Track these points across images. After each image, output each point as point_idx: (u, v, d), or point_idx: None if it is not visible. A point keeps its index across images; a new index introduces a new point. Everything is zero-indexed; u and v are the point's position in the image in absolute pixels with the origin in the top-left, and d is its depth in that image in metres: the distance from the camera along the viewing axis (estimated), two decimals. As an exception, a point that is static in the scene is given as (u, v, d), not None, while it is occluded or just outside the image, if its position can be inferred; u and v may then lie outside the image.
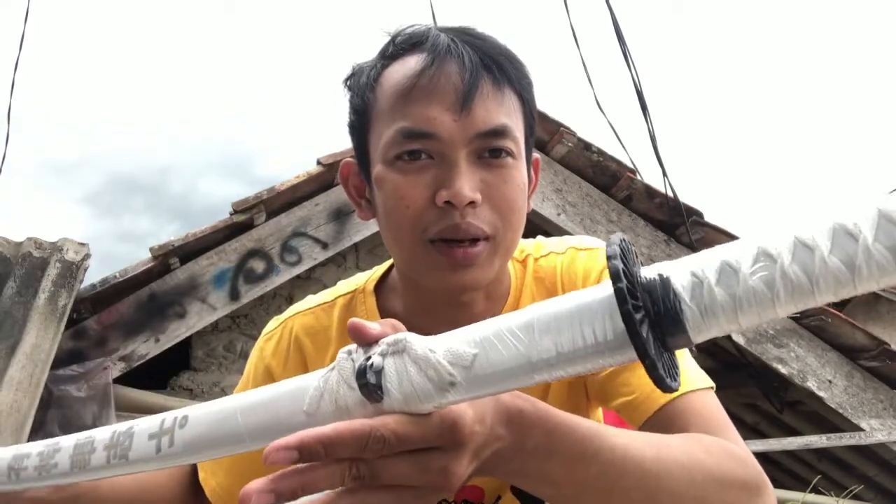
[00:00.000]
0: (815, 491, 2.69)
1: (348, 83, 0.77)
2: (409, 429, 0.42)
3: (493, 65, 0.69)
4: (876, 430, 2.84)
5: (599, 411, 0.87)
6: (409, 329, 0.50)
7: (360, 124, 0.74)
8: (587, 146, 2.86)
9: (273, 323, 0.87)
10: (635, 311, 0.39)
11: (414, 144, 0.68)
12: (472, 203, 0.66)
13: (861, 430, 2.83)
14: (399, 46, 0.72)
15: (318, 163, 2.69)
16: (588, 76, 2.79)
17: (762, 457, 3.65)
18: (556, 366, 0.42)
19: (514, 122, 0.70)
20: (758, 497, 0.58)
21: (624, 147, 3.00)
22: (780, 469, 3.65)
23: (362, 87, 0.74)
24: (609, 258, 0.40)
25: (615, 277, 0.39)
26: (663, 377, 0.39)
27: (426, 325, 0.63)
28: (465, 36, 0.71)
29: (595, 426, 0.50)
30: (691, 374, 0.71)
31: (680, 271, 0.40)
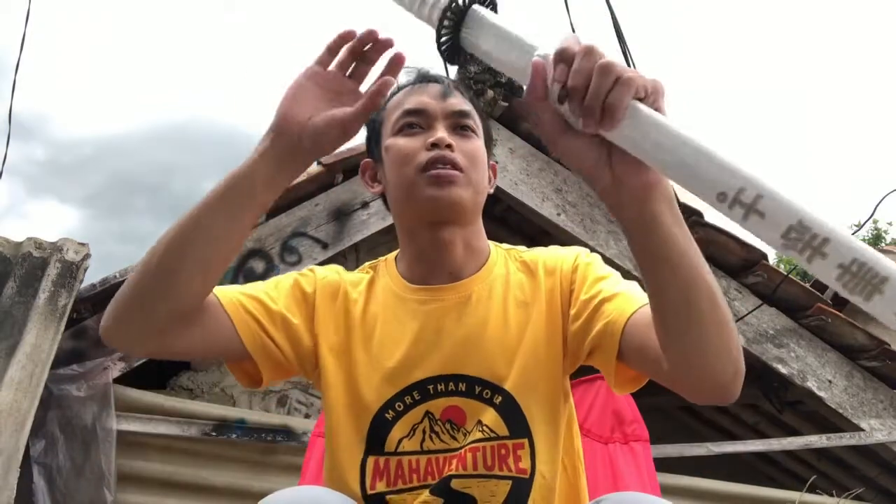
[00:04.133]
0: (814, 491, 2.69)
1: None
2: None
3: (462, 87, 1.06)
4: (876, 430, 2.83)
5: (566, 382, 1.02)
6: (410, 276, 1.03)
7: (375, 127, 1.06)
8: (587, 146, 2.86)
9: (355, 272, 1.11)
10: None
11: (412, 118, 1.00)
12: (449, 146, 0.96)
13: (861, 430, 2.83)
14: (402, 84, 1.05)
15: (319, 163, 2.69)
16: (588, 76, 2.78)
17: (762, 457, 3.66)
18: None
19: (475, 116, 1.03)
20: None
21: (624, 147, 2.98)
22: (780, 469, 3.65)
23: (376, 112, 1.03)
24: None
25: None
26: None
27: (421, 270, 1.02)
28: (444, 76, 1.07)
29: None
30: (641, 293, 0.91)
31: None
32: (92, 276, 2.40)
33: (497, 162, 1.00)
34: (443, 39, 0.67)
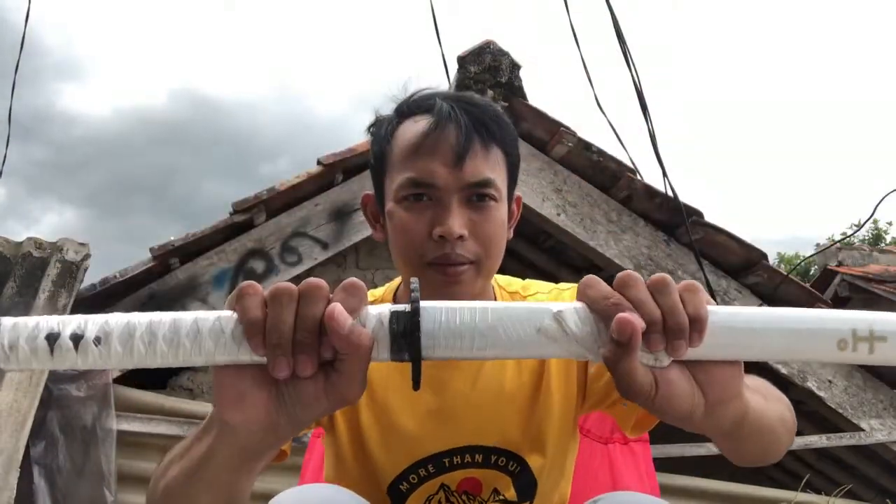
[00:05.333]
0: (813, 490, 2.68)
1: (371, 130, 0.95)
2: None
3: (483, 128, 0.87)
4: (876, 430, 2.84)
5: (577, 426, 1.01)
6: None
7: (378, 168, 0.93)
8: (587, 146, 2.86)
9: None
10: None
11: (418, 190, 0.86)
12: (460, 237, 0.84)
13: (861, 430, 2.83)
14: (410, 107, 0.90)
15: (319, 163, 2.69)
16: (588, 76, 2.79)
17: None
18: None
19: (498, 174, 0.88)
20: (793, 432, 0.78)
21: (624, 147, 3.00)
22: (780, 469, 3.65)
23: (381, 138, 0.92)
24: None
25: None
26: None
27: None
28: (464, 103, 0.88)
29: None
30: None
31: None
32: (92, 276, 2.41)
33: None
34: (414, 370, 0.52)
